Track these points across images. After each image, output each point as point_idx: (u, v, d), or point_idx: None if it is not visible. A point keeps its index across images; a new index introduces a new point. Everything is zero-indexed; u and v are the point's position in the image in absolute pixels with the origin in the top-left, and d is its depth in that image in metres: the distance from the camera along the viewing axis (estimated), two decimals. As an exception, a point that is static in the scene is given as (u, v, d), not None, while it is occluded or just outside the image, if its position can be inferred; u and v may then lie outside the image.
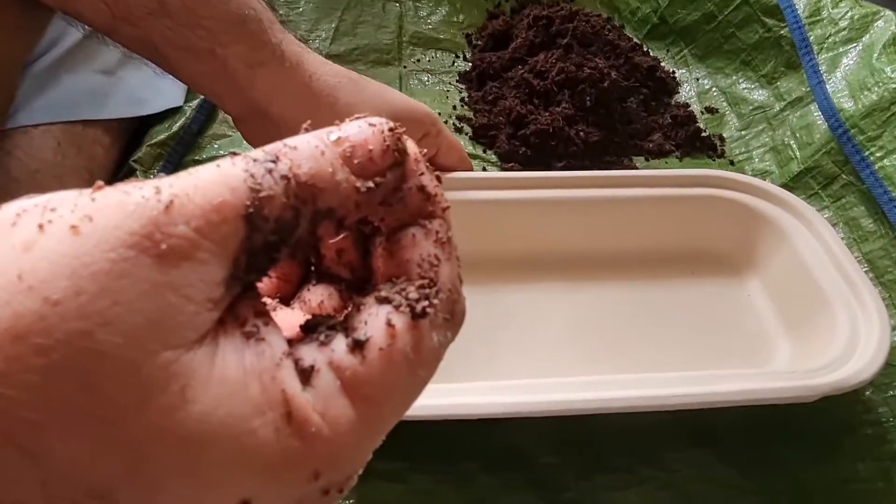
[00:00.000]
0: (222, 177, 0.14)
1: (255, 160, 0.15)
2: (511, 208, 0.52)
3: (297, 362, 0.15)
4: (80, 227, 0.13)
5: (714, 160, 0.65)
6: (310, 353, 0.15)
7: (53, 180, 0.47)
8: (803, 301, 0.48)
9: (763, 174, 0.62)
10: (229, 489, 0.14)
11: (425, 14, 0.80)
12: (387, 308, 0.16)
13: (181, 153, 0.59)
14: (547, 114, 0.63)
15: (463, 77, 0.73)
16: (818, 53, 0.61)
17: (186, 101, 0.62)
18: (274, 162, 0.15)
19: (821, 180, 0.59)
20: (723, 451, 0.44)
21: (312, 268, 0.22)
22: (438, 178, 0.19)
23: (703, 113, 0.70)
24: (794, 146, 0.62)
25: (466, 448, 0.43)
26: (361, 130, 0.17)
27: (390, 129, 0.17)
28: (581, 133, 0.62)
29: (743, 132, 0.67)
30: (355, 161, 0.16)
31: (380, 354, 0.15)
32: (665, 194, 0.54)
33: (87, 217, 0.13)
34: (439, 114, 0.67)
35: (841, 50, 0.61)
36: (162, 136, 0.58)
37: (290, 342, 0.16)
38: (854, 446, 0.45)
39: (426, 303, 0.16)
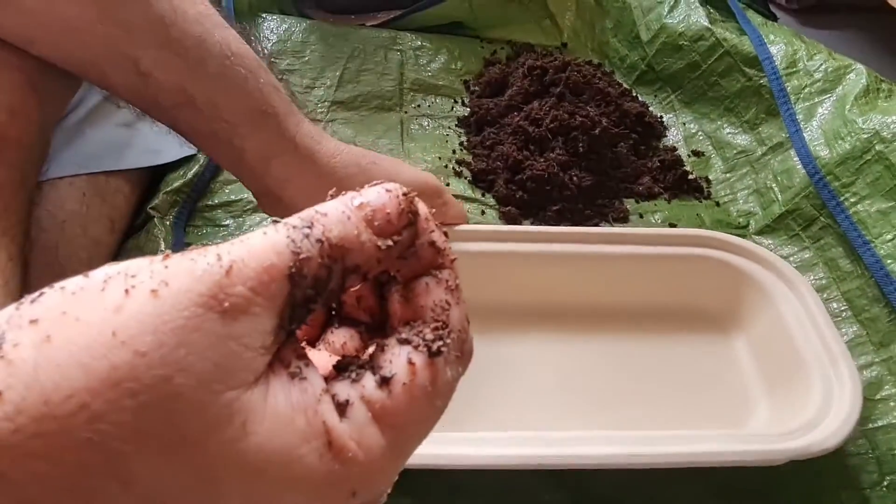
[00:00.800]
0: (269, 243, 0.17)
1: (294, 227, 0.18)
2: (506, 260, 0.55)
3: (333, 397, 0.18)
4: (159, 290, 0.16)
5: (701, 201, 0.68)
6: (344, 389, 0.18)
7: (79, 230, 0.50)
8: (783, 364, 0.50)
9: (747, 215, 0.66)
10: None
11: (425, 62, 0.84)
12: (407, 348, 0.19)
13: (195, 199, 0.62)
14: (542, 159, 0.66)
15: (462, 122, 0.77)
16: (795, 103, 0.65)
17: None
18: (309, 227, 0.18)
19: (801, 222, 0.62)
20: (713, 482, 0.46)
21: (333, 312, 0.25)
22: (445, 234, 0.22)
23: (689, 156, 0.73)
24: (776, 189, 0.65)
25: (470, 489, 0.45)
26: (380, 196, 0.20)
27: (404, 194, 0.20)
28: (574, 178, 0.66)
29: (728, 174, 0.70)
30: (376, 223, 0.19)
31: (403, 389, 0.18)
32: (658, 252, 0.55)
33: (164, 282, 0.16)
34: (439, 158, 0.71)
35: (816, 100, 0.64)
36: (177, 184, 0.61)
37: (326, 379, 0.19)
38: (837, 475, 0.47)
39: (440, 343, 0.19)
